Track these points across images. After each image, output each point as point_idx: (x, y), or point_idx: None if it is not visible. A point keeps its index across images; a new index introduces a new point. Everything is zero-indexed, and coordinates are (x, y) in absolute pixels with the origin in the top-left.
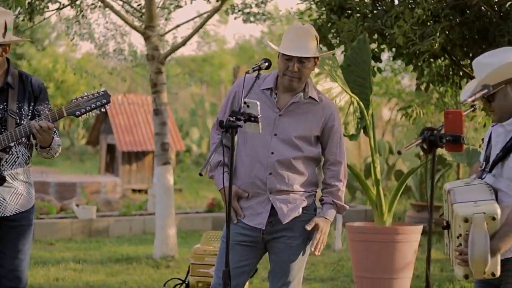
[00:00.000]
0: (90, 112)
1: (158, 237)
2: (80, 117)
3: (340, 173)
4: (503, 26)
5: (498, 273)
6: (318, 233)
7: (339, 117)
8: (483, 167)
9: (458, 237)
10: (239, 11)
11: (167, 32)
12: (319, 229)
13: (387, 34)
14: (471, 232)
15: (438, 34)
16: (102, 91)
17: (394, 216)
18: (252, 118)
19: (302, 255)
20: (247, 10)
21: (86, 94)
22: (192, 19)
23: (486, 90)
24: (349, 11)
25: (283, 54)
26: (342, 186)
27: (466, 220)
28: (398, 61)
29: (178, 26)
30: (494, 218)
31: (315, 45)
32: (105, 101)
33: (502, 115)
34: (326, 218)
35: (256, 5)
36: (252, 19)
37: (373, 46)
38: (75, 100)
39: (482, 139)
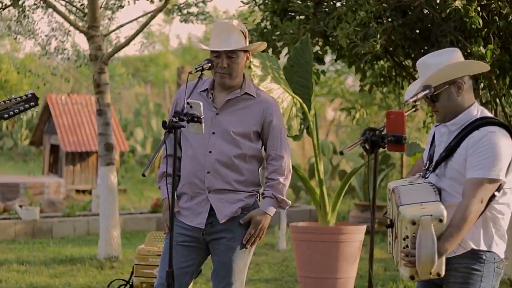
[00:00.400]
0: (19, 115)
1: (102, 237)
2: (9, 119)
3: (282, 168)
4: (444, 26)
5: (443, 273)
6: (251, 227)
7: (279, 111)
8: (426, 167)
9: (404, 239)
10: (179, 10)
11: (110, 32)
12: (254, 222)
13: (329, 36)
14: (419, 234)
15: (379, 36)
16: (30, 94)
17: (338, 216)
18: (195, 119)
19: (244, 255)
20: (185, 11)
21: (14, 96)
22: (136, 19)
23: (427, 91)
24: (292, 14)
25: (211, 51)
26: (284, 180)
27: (413, 223)
28: (342, 62)
29: (121, 26)
30: (441, 220)
31: (242, 39)
32: (33, 103)
33: (446, 115)
34: (265, 212)
35: (196, 4)
36: (191, 19)
37: (317, 48)
38: (3, 103)
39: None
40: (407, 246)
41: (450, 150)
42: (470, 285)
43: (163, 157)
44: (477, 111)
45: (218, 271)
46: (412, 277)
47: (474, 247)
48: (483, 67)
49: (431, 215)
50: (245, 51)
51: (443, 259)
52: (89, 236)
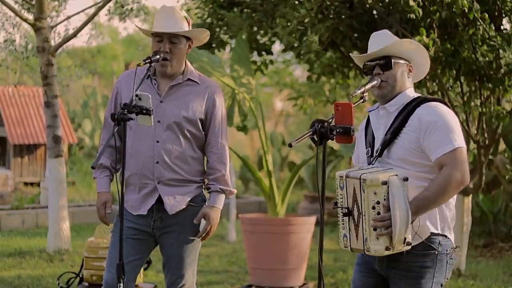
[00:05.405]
0: None
1: (51, 230)
2: None
3: (224, 156)
4: (389, 18)
5: (411, 241)
6: (206, 224)
7: (222, 98)
8: (369, 154)
9: (374, 207)
10: (121, 7)
11: (57, 24)
12: (208, 219)
13: (274, 30)
14: (391, 194)
15: (319, 35)
16: None
17: (287, 207)
18: (144, 111)
19: (194, 247)
20: (124, 9)
21: None
22: (83, 10)
23: (375, 82)
24: (238, 6)
25: (154, 36)
26: (226, 170)
27: (384, 183)
28: (291, 52)
29: (68, 17)
30: (406, 179)
31: (186, 25)
32: None
33: (391, 90)
34: (215, 206)
35: (132, 1)
36: (131, 15)
37: (265, 39)
38: None
39: None
40: (378, 213)
41: (394, 131)
42: (423, 284)
43: (109, 140)
44: (413, 93)
45: (169, 264)
46: (387, 248)
47: (433, 231)
48: (427, 62)
49: (397, 175)
50: (188, 39)
51: (410, 225)
52: (38, 228)
